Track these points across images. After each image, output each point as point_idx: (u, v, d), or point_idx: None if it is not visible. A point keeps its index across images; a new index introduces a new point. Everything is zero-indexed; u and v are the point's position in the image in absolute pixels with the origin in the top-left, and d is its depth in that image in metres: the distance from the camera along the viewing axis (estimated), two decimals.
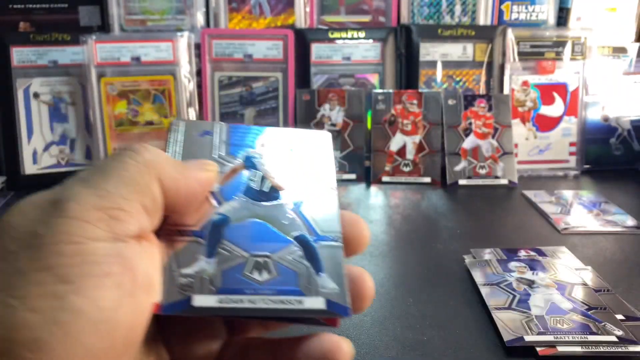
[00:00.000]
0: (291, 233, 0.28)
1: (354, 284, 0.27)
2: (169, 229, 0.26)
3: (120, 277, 0.22)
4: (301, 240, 0.28)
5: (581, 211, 0.79)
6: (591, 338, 0.47)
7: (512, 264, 0.60)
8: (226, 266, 0.26)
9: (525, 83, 0.99)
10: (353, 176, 0.94)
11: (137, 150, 0.25)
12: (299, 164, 0.31)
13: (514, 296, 0.54)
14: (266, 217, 0.28)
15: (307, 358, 0.26)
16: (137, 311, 0.23)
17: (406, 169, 0.94)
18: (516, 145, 0.98)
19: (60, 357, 0.20)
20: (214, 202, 0.28)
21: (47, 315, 0.20)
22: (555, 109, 0.99)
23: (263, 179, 0.30)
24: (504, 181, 0.92)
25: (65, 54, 0.93)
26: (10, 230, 0.21)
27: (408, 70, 1.00)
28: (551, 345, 0.46)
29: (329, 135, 0.32)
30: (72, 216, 0.21)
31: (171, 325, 0.27)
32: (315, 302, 0.25)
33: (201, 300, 0.25)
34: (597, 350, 0.46)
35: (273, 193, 0.29)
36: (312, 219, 0.28)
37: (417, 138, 0.95)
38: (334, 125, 0.95)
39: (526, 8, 1.03)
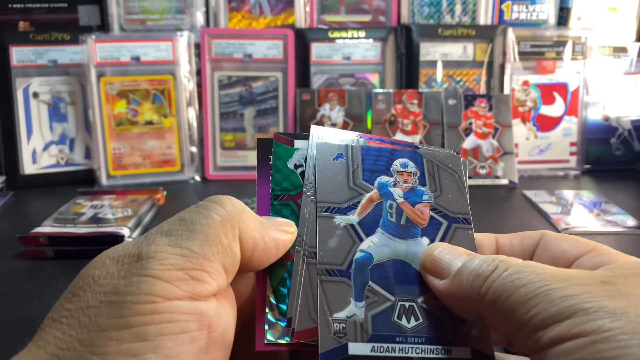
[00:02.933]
0: None
1: None
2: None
3: (197, 334, 0.22)
4: None
5: (582, 211, 0.78)
6: None
7: None
8: (375, 311, 0.26)
9: (525, 83, 0.99)
10: None
11: (222, 203, 0.25)
12: (433, 193, 0.29)
13: None
14: (407, 256, 0.27)
15: None
16: None
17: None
18: (517, 145, 0.98)
19: None
20: (355, 237, 0.28)
21: None
22: (555, 108, 0.99)
23: (400, 211, 0.29)
24: (505, 181, 0.91)
25: (65, 54, 0.93)
26: (93, 284, 0.22)
27: (408, 70, 1.00)
28: None
29: (459, 158, 0.31)
30: (154, 275, 0.22)
31: None
32: (462, 352, 0.25)
33: (356, 349, 0.25)
34: None
35: (411, 228, 0.28)
36: None
37: (418, 138, 0.94)
38: (334, 125, 0.95)
39: (527, 8, 1.03)
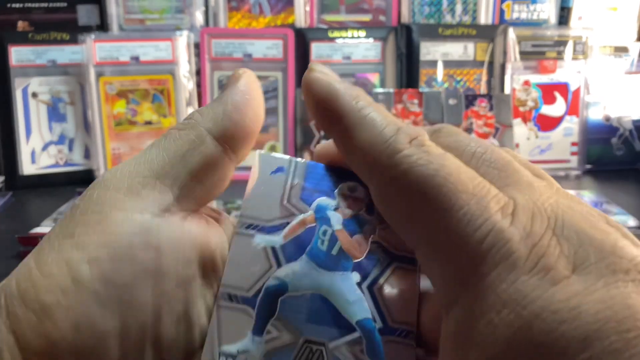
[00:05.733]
0: (356, 317, 0.23)
1: None
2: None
3: (140, 255, 0.20)
4: (364, 329, 0.23)
5: None
6: None
7: None
8: (272, 349, 0.22)
9: (526, 82, 0.99)
10: None
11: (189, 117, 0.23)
12: (378, 224, 0.24)
13: None
14: (330, 291, 0.23)
15: None
16: (161, 299, 0.21)
17: None
18: (517, 145, 0.97)
19: (65, 326, 0.19)
20: (274, 262, 0.23)
21: (56, 281, 0.19)
22: (556, 108, 0.99)
23: (333, 239, 0.24)
24: None
25: (64, 54, 0.93)
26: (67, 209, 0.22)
27: (409, 69, 1.00)
28: None
29: None
30: (105, 187, 0.21)
31: None
32: None
33: None
34: None
35: (342, 260, 0.24)
36: (384, 303, 0.23)
37: None
38: None
39: (527, 7, 1.02)
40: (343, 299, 0.23)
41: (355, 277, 0.23)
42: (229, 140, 0.23)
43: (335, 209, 0.25)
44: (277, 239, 0.24)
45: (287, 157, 0.26)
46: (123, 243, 0.20)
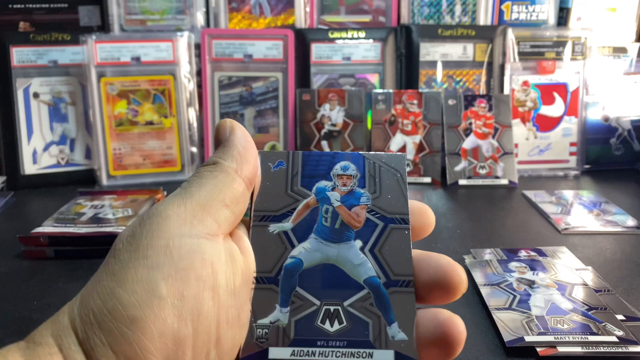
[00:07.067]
0: (362, 277, 0.27)
1: (443, 329, 0.26)
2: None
3: (200, 271, 0.25)
4: (372, 285, 0.27)
5: (581, 211, 0.79)
6: (591, 338, 0.47)
7: (513, 264, 0.60)
8: (299, 316, 0.27)
9: (525, 83, 0.99)
10: None
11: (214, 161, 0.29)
12: (372, 195, 0.29)
13: (514, 296, 0.54)
14: (338, 260, 0.28)
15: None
16: (219, 308, 0.25)
17: (407, 169, 0.93)
18: (516, 145, 0.98)
19: (152, 335, 0.23)
20: (287, 244, 0.28)
21: (140, 297, 0.23)
22: (555, 109, 0.99)
23: (335, 215, 0.29)
24: (504, 181, 0.92)
25: (65, 54, 0.93)
26: (119, 236, 0.26)
27: (408, 70, 1.00)
28: (551, 345, 0.46)
29: (404, 157, 0.31)
30: (162, 216, 0.25)
31: None
32: (385, 356, 0.26)
33: (276, 353, 0.26)
34: (597, 350, 0.45)
35: (345, 232, 0.29)
36: (384, 261, 0.28)
37: (418, 138, 0.95)
38: (334, 125, 0.95)
39: (526, 8, 1.03)
40: (350, 264, 0.28)
41: (358, 243, 0.28)
42: (246, 177, 0.28)
43: (333, 189, 0.29)
44: (287, 224, 0.28)
45: (285, 151, 0.30)
46: (187, 262, 0.24)
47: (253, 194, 0.29)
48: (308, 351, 0.26)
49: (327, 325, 0.26)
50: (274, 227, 0.28)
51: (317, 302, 0.27)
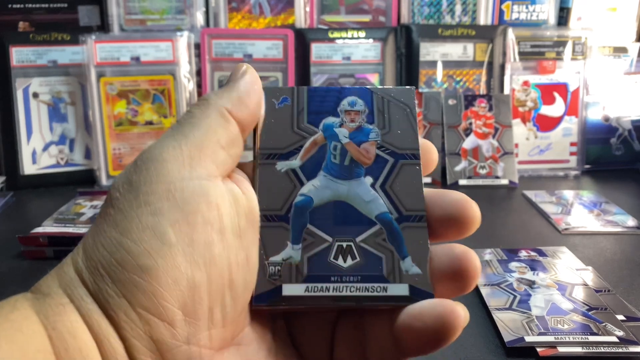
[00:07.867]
0: (374, 213, 0.27)
1: (458, 263, 0.25)
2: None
3: (207, 214, 0.24)
4: (384, 221, 0.27)
5: (582, 211, 0.78)
6: (592, 338, 0.46)
7: (513, 264, 0.60)
8: (311, 252, 0.26)
9: (525, 83, 0.99)
10: None
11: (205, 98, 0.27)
12: (381, 131, 0.28)
13: (515, 296, 0.53)
14: (348, 196, 0.27)
15: (421, 322, 0.25)
16: (229, 250, 0.24)
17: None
18: (517, 145, 0.98)
19: (167, 283, 0.22)
20: (296, 182, 0.27)
21: (150, 246, 0.22)
22: (555, 108, 0.99)
23: (344, 151, 0.28)
24: (505, 181, 0.91)
25: (65, 54, 0.93)
26: (114, 184, 0.25)
27: (408, 70, 1.00)
28: (552, 345, 0.46)
29: (413, 91, 0.29)
30: (159, 160, 0.24)
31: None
32: (399, 289, 0.25)
33: (290, 290, 0.25)
34: (597, 350, 0.45)
35: (355, 168, 0.28)
36: (396, 196, 0.27)
37: None
38: None
39: (527, 8, 1.03)
40: (361, 200, 0.27)
41: (369, 180, 0.27)
42: (241, 121, 0.27)
43: (341, 125, 0.28)
44: (295, 162, 0.28)
45: (289, 87, 0.29)
46: (193, 206, 0.23)
47: (256, 132, 0.28)
48: (322, 287, 0.25)
49: (340, 261, 0.26)
50: (282, 165, 0.28)
51: (329, 239, 0.26)
